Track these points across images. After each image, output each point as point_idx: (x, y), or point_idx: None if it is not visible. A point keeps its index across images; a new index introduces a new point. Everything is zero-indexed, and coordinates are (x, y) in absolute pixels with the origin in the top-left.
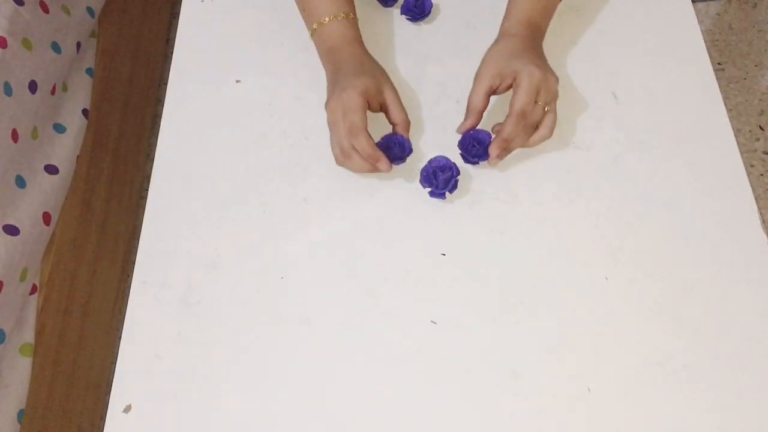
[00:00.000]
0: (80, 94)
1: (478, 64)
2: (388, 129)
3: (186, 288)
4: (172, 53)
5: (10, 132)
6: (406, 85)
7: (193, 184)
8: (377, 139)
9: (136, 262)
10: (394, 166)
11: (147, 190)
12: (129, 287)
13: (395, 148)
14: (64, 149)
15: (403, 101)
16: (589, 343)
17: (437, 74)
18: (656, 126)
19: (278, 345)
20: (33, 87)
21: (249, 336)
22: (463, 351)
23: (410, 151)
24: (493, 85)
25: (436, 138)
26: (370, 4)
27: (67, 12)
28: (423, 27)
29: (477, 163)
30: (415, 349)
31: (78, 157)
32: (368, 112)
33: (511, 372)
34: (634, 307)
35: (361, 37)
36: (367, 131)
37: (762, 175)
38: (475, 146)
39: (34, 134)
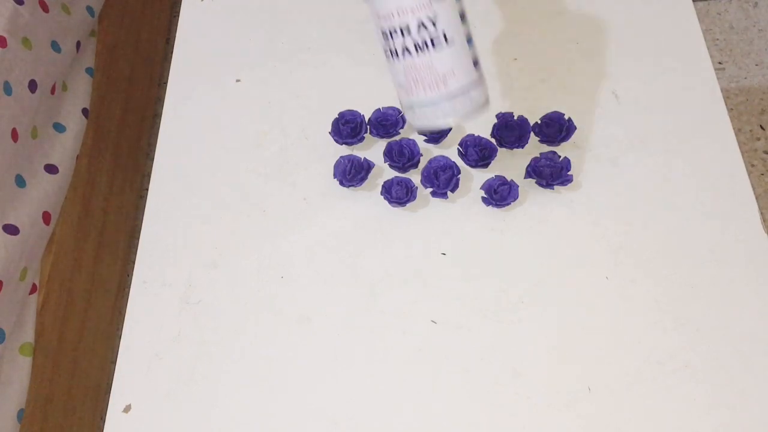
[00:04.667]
0: (80, 93)
1: None
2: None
3: (186, 288)
4: (172, 53)
5: (9, 131)
6: None
7: (193, 183)
8: (382, 147)
9: (136, 262)
10: (397, 171)
11: (147, 189)
12: (129, 287)
13: (406, 154)
14: (64, 149)
15: None
16: (590, 343)
17: None
18: (656, 126)
19: (278, 345)
20: (33, 86)
21: (249, 336)
22: (463, 350)
23: (419, 154)
24: None
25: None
26: None
27: (67, 11)
28: None
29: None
30: (415, 349)
31: (78, 156)
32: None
33: (511, 371)
34: (635, 306)
35: None
36: None
37: (762, 174)
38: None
39: (34, 134)
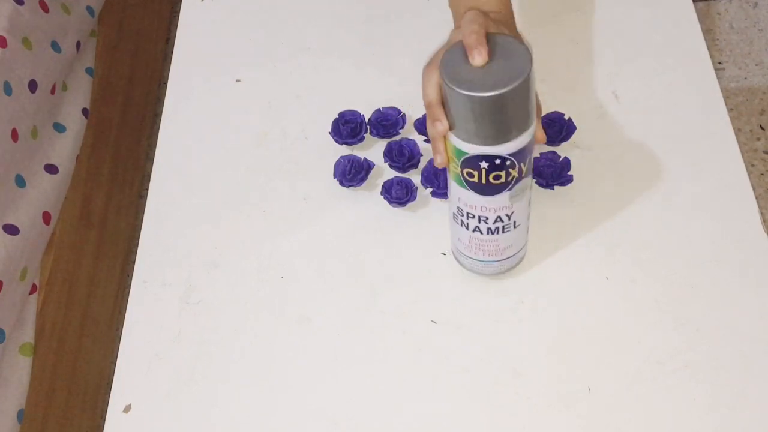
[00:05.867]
0: (80, 93)
1: None
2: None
3: (186, 288)
4: (172, 53)
5: (9, 131)
6: (406, 85)
7: (193, 183)
8: (382, 147)
9: (135, 262)
10: (397, 171)
11: (147, 189)
12: (129, 287)
13: (406, 155)
14: (64, 149)
15: (402, 101)
16: (590, 343)
17: None
18: (656, 126)
19: (278, 345)
20: (33, 86)
21: (249, 336)
22: (463, 350)
23: (419, 154)
24: None
25: None
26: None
27: (67, 11)
28: (424, 27)
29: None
30: (415, 349)
31: (78, 156)
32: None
33: (511, 371)
34: (635, 306)
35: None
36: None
37: (763, 174)
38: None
39: (34, 134)
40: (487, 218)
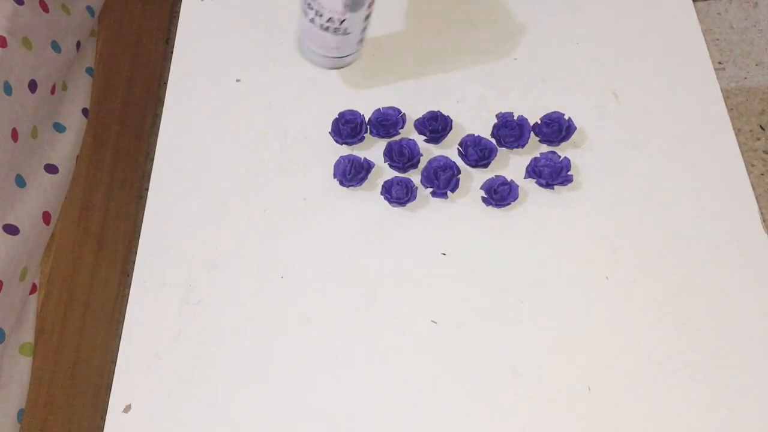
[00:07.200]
0: (80, 93)
1: (479, 63)
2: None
3: (186, 288)
4: (172, 53)
5: (9, 131)
6: (406, 85)
7: (193, 183)
8: (382, 147)
9: (136, 262)
10: (397, 171)
11: (147, 189)
12: (129, 287)
13: (405, 155)
14: (64, 149)
15: (402, 101)
16: (590, 343)
17: (437, 74)
18: (656, 126)
19: (278, 345)
20: (33, 86)
21: (249, 336)
22: (463, 350)
23: (419, 154)
24: None
25: None
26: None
27: (67, 11)
28: (424, 27)
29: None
30: (415, 349)
31: (78, 156)
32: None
33: (511, 371)
34: (635, 306)
35: None
36: None
37: (762, 174)
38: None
39: (34, 134)
40: (321, 15)
